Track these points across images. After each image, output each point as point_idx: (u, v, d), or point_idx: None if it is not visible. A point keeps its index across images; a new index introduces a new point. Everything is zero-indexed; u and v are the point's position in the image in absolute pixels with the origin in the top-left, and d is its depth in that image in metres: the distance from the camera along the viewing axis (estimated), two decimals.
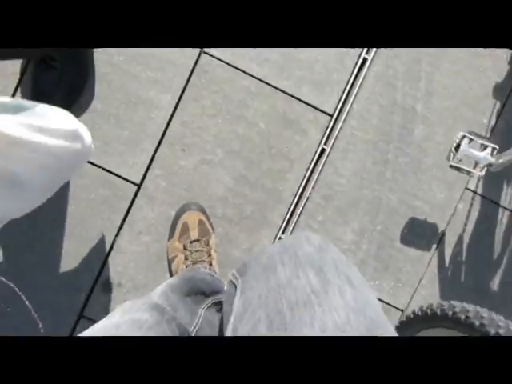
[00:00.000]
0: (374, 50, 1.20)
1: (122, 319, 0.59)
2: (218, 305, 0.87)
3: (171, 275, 1.14)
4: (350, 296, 0.45)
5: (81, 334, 0.56)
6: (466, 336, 0.86)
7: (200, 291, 0.86)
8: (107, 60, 1.14)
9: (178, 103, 1.16)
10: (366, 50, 1.20)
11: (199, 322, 0.76)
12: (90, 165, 1.13)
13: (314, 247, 0.54)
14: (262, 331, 0.44)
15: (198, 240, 1.10)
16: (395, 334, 0.45)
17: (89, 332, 0.56)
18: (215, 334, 0.82)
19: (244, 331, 0.47)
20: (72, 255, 1.12)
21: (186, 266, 1.07)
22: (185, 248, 1.10)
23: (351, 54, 1.20)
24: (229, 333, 0.51)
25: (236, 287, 0.61)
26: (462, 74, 1.22)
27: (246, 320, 0.49)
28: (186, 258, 1.08)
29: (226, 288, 0.97)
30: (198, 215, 1.13)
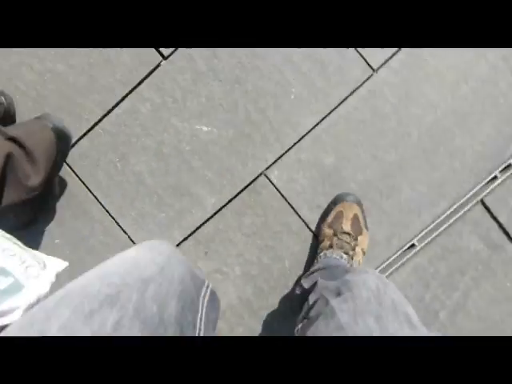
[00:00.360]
0: (427, 240, 1.16)
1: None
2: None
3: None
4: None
5: None
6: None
7: None
8: (172, 144, 1.16)
9: (219, 209, 1.18)
10: (417, 236, 1.17)
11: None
12: (119, 228, 1.18)
13: (371, 291, 0.58)
14: None
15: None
16: None
17: None
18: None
19: None
20: None
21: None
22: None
23: (401, 237, 1.17)
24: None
25: None
26: (499, 304, 1.17)
27: None
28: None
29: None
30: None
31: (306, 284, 0.99)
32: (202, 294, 0.77)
